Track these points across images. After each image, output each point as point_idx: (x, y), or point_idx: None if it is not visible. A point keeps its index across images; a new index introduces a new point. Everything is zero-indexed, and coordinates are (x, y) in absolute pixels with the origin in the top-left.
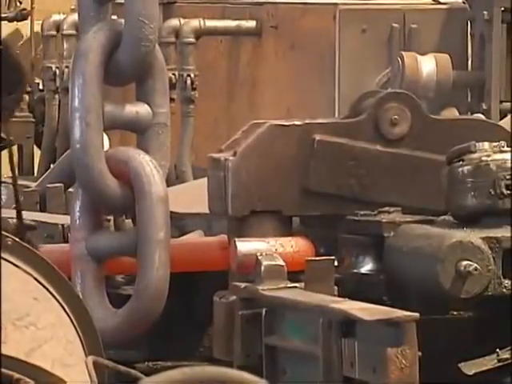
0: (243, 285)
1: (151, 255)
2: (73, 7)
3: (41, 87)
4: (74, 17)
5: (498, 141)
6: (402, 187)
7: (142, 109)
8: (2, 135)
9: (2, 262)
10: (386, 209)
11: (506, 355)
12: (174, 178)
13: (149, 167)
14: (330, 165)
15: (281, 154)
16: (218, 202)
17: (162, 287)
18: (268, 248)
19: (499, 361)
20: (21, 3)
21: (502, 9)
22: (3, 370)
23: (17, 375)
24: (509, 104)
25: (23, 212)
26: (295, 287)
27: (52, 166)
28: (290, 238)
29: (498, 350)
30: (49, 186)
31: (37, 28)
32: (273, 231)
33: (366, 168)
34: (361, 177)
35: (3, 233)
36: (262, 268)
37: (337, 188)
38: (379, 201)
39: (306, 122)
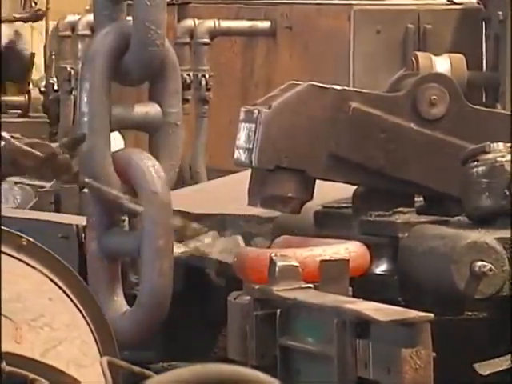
0: (257, 285)
1: (152, 262)
2: (87, 8)
3: (55, 88)
4: (89, 17)
5: None
6: (428, 169)
7: (152, 109)
8: (17, 136)
9: (18, 262)
10: (400, 209)
11: None
12: (188, 179)
13: (150, 174)
14: (362, 134)
15: (315, 115)
16: (244, 153)
17: (163, 294)
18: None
19: None
20: (36, 4)
21: None
22: (18, 371)
23: (32, 375)
24: None
25: (39, 212)
26: (309, 288)
27: None
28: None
29: None
30: (63, 186)
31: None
32: (294, 190)
33: (396, 144)
34: (389, 151)
35: (19, 234)
36: (277, 269)
37: (364, 158)
38: (402, 178)
39: (345, 88)
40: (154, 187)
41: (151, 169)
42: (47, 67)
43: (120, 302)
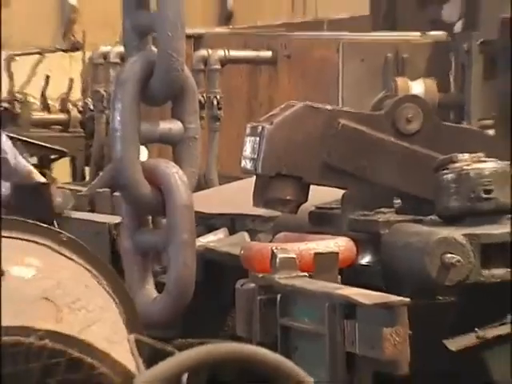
0: (261, 274)
1: (177, 255)
2: (118, 40)
3: (91, 107)
4: (119, 48)
5: (489, 151)
6: (405, 176)
7: (175, 125)
8: (58, 148)
9: (59, 255)
10: (382, 210)
11: (484, 334)
12: (203, 184)
13: (174, 179)
14: (349, 146)
15: (309, 130)
16: (250, 162)
17: (187, 283)
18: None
19: (478, 338)
20: (74, 37)
21: (480, 41)
22: (59, 346)
23: (70, 350)
24: (485, 122)
25: (77, 212)
26: (305, 276)
27: (100, 173)
28: (336, 240)
29: (476, 329)
30: (98, 190)
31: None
32: (292, 193)
33: (379, 154)
34: (373, 161)
35: (60, 230)
36: (277, 260)
37: (351, 166)
38: (384, 183)
39: (335, 107)
40: (178, 190)
41: (175, 175)
42: (84, 90)
43: (151, 290)
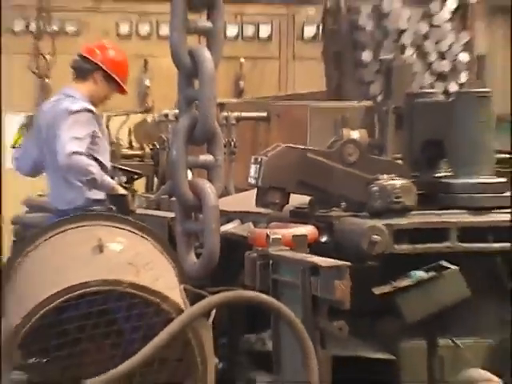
0: (260, 248)
1: (208, 236)
2: (174, 106)
3: (157, 147)
4: (175, 111)
5: (399, 173)
6: (348, 188)
7: (209, 157)
8: (138, 171)
9: (139, 237)
10: (334, 209)
11: (396, 284)
12: (224, 193)
13: (208, 190)
14: (314, 170)
15: (290, 161)
16: (254, 179)
17: (215, 253)
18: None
19: (392, 287)
20: (147, 104)
21: (393, 107)
22: (137, 292)
23: (144, 295)
24: (396, 156)
25: (148, 210)
26: (287, 250)
27: (162, 186)
28: (306, 228)
29: (392, 281)
30: (161, 197)
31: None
32: (279, 198)
33: (334, 176)
34: (328, 179)
35: (139, 222)
36: (270, 239)
37: (316, 182)
38: (335, 193)
39: (305, 147)
40: (210, 197)
41: (209, 188)
42: (151, 137)
43: (193, 258)
